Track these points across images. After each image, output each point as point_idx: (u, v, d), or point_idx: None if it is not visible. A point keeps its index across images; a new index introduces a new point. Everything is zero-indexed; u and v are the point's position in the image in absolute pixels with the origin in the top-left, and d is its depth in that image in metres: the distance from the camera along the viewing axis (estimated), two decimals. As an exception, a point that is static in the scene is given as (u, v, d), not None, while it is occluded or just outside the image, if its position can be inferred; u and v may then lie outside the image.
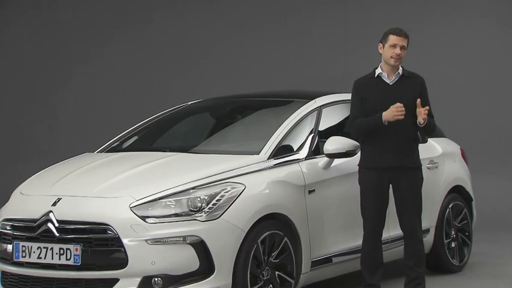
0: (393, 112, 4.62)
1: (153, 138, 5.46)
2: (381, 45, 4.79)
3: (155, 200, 4.31)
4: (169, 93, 9.27)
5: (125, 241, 4.21)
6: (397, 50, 4.71)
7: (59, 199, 4.40)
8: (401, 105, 4.63)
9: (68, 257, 4.25)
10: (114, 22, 9.65)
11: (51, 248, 4.28)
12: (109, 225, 4.24)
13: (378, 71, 4.82)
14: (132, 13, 9.65)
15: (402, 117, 4.62)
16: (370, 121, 4.71)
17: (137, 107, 9.19)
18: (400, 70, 4.81)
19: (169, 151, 4.94)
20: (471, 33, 8.69)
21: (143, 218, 4.27)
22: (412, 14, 8.74)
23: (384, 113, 4.66)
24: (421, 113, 4.65)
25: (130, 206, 4.31)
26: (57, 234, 4.30)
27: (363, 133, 4.77)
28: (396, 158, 4.72)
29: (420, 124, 4.68)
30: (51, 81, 9.70)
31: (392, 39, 4.73)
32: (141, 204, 4.30)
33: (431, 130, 4.82)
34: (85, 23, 9.70)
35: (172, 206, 4.29)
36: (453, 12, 8.74)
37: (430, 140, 5.83)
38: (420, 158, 4.85)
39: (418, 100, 4.66)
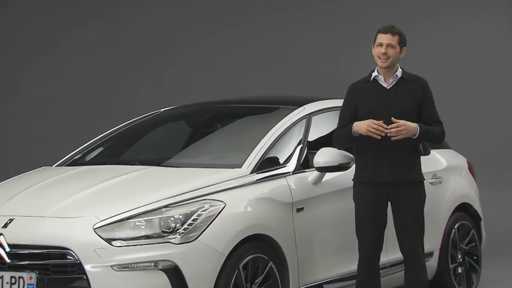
0: (369, 126, 4.63)
1: (120, 150, 5.46)
2: (373, 46, 4.84)
3: (122, 220, 4.30)
4: (138, 99, 9.27)
5: (87, 267, 4.19)
6: (382, 49, 4.73)
7: (11, 220, 4.38)
8: (383, 125, 4.61)
9: (21, 287, 4.21)
10: (74, 17, 9.61)
11: (1, 277, 4.26)
12: (69, 250, 4.22)
13: (374, 73, 4.84)
14: (96, 6, 9.62)
15: (378, 137, 4.62)
16: (343, 132, 4.77)
17: (102, 114, 9.18)
18: (399, 72, 4.83)
19: (139, 164, 4.96)
20: (474, 33, 8.75)
21: (109, 240, 4.25)
22: (411, 12, 8.80)
23: (355, 123, 4.69)
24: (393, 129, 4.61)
25: (94, 227, 4.29)
26: (8, 261, 4.27)
27: (341, 146, 4.83)
28: (394, 172, 4.73)
29: (414, 136, 4.68)
30: (1, 86, 9.64)
31: (379, 37, 4.78)
32: (106, 225, 4.29)
33: (436, 138, 4.82)
34: (38, 19, 9.65)
35: (142, 227, 4.29)
36: (455, 11, 8.81)
37: (433, 151, 5.86)
38: (422, 171, 4.86)
39: (393, 119, 4.62)
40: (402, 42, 4.80)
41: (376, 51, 4.76)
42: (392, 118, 4.64)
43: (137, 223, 4.29)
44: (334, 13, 9.09)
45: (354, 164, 4.87)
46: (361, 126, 4.66)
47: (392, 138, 4.65)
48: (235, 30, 9.33)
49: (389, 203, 4.80)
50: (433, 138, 4.82)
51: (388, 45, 4.74)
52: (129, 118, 5.78)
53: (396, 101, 4.75)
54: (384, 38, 4.75)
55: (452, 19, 8.81)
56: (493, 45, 8.70)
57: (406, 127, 4.65)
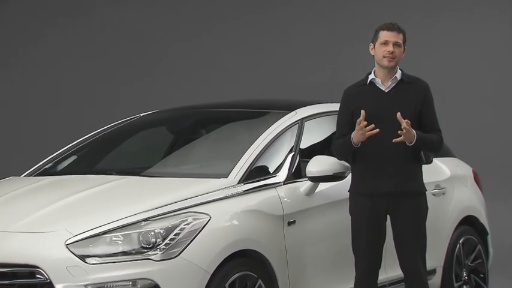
0: (358, 131, 4.63)
1: (95, 159, 5.45)
2: (371, 45, 4.82)
3: (98, 234, 4.28)
4: (116, 103, 9.25)
5: (58, 287, 4.16)
6: (390, 47, 4.74)
7: (-26, 235, 4.36)
8: (364, 122, 4.60)
9: (-14, 309, 4.22)
10: (46, 16, 9.58)
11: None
12: (38, 268, 4.19)
13: (371, 76, 4.83)
14: (69, 2, 9.59)
15: (376, 130, 4.60)
16: (343, 142, 4.77)
17: (76, 120, 9.15)
18: (398, 74, 4.83)
19: (115, 174, 4.95)
20: (475, 34, 8.78)
21: (82, 257, 4.22)
22: (409, 10, 8.82)
23: (353, 136, 4.69)
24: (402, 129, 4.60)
25: (66, 242, 4.27)
26: (-29, 281, 4.26)
27: (342, 157, 4.83)
28: (394, 182, 4.73)
29: (410, 143, 4.67)
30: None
31: (383, 35, 4.77)
32: (79, 240, 4.27)
33: (433, 146, 4.82)
34: (8, 20, 9.62)
35: (120, 243, 4.27)
36: (458, 9, 8.85)
37: (435, 160, 5.85)
38: (423, 181, 4.85)
39: (398, 114, 4.62)
40: (405, 42, 4.82)
41: (382, 50, 4.74)
42: (398, 114, 4.60)
43: (114, 238, 4.26)
44: (329, 10, 9.09)
45: (350, 174, 4.86)
46: (356, 135, 4.66)
47: (393, 140, 4.62)
48: (223, 28, 9.33)
49: (388, 216, 4.79)
50: (430, 147, 4.83)
51: (395, 44, 4.75)
52: (105, 124, 5.77)
53: (395, 106, 4.73)
54: (389, 36, 4.75)
55: (452, 19, 8.83)
56: (496, 47, 8.72)
57: (408, 129, 4.63)
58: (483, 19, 8.74)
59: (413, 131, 4.67)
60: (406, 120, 4.62)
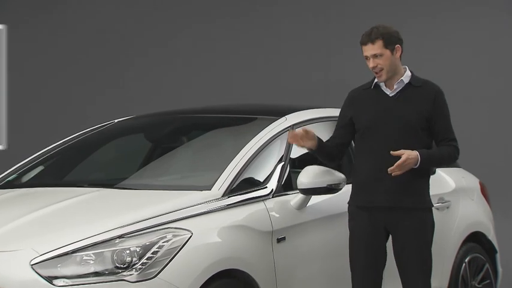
0: (291, 139, 4.78)
1: (65, 169, 5.44)
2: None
3: (67, 253, 4.25)
4: (89, 107, 9.22)
5: (23, 312, 4.17)
6: (370, 63, 4.75)
7: None
8: (295, 132, 4.71)
9: None
10: (11, 12, 9.55)
11: None
12: (2, 290, 4.19)
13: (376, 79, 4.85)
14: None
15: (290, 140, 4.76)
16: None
17: (44, 126, 9.10)
18: (406, 77, 4.80)
19: (87, 186, 4.93)
20: (481, 33, 8.80)
21: (49, 279, 4.20)
22: (408, 8, 8.85)
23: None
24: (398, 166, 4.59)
25: (32, 262, 4.24)
26: None
27: (327, 162, 4.88)
28: (392, 196, 4.72)
29: (416, 166, 4.65)
30: None
31: (363, 50, 4.79)
32: (46, 260, 4.24)
33: (443, 162, 4.79)
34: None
35: (91, 262, 4.25)
36: (461, 6, 8.88)
37: (439, 171, 5.86)
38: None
39: (392, 153, 4.60)
40: (390, 43, 4.75)
41: (368, 65, 4.77)
42: (391, 152, 4.59)
43: (85, 257, 4.24)
44: (322, 8, 9.10)
45: (346, 186, 4.86)
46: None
47: (393, 175, 4.60)
48: (208, 26, 9.32)
49: (389, 233, 4.78)
50: (438, 163, 4.81)
51: (374, 56, 4.73)
52: (76, 131, 5.74)
53: (399, 112, 4.73)
54: (365, 50, 4.76)
55: (453, 19, 8.87)
56: (506, 51, 8.76)
57: (408, 159, 4.59)
58: (492, 24, 8.78)
59: (415, 153, 4.61)
60: (402, 154, 4.57)
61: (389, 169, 4.58)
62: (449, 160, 4.80)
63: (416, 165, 4.63)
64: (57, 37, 9.56)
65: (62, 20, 9.54)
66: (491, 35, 8.79)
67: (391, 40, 4.75)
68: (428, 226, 4.79)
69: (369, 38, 4.73)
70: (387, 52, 4.73)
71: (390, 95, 4.79)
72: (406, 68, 4.82)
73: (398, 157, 4.62)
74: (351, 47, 8.38)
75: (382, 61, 4.71)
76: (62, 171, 5.40)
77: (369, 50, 4.72)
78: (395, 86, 4.79)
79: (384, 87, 4.80)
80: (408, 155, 4.59)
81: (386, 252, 4.77)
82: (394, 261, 4.78)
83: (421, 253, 4.75)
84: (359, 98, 4.83)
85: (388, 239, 4.78)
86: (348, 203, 4.83)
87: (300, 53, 9.07)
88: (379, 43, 4.72)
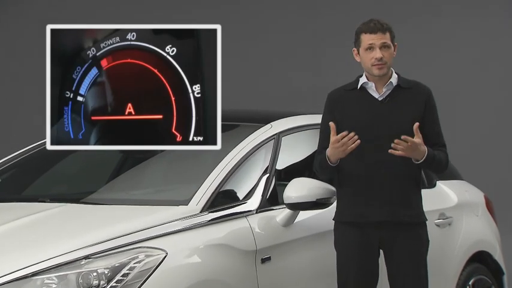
0: (335, 145, 4.61)
1: (24, 183, 5.44)
2: (355, 50, 4.83)
3: (26, 276, 4.22)
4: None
5: None
6: (377, 54, 4.72)
7: None
8: (349, 134, 4.59)
9: None
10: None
11: None
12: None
13: (363, 80, 4.83)
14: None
15: (357, 143, 4.59)
16: (320, 161, 4.78)
17: (1, 133, 9.06)
18: (394, 79, 4.82)
19: (49, 201, 4.92)
20: (481, 34, 8.85)
21: (8, 305, 4.22)
22: (406, 7, 8.89)
23: (328, 152, 4.70)
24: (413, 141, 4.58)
25: (-12, 286, 4.26)
26: None
27: (323, 178, 4.84)
28: (387, 210, 4.73)
29: (417, 161, 4.67)
30: None
31: (366, 39, 4.75)
32: (3, 284, 4.21)
33: (440, 167, 4.83)
34: None
35: (54, 286, 4.23)
36: (459, 7, 8.93)
37: (440, 183, 5.88)
38: (425, 210, 4.87)
39: (416, 124, 4.63)
40: (394, 38, 4.80)
41: (368, 57, 4.74)
42: (416, 125, 4.60)
43: (46, 281, 4.21)
44: (310, 7, 9.13)
45: (336, 200, 4.87)
46: (331, 151, 4.65)
47: (389, 151, 4.60)
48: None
49: (381, 251, 4.80)
50: (436, 167, 4.83)
51: (383, 46, 4.73)
52: (37, 139, 5.69)
53: (391, 117, 4.74)
54: (374, 39, 4.74)
55: (453, 18, 8.92)
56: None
57: (420, 145, 4.59)
58: (498, 26, 8.84)
59: (425, 147, 4.65)
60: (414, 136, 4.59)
61: (395, 141, 4.56)
62: (445, 167, 4.83)
63: (419, 160, 4.64)
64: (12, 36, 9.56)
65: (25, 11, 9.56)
66: (491, 39, 8.86)
67: (394, 35, 4.79)
68: (424, 241, 4.82)
69: (381, 26, 4.73)
70: (392, 47, 4.77)
71: (379, 99, 4.79)
72: (392, 70, 4.83)
73: (394, 164, 4.65)
74: (339, 51, 8.46)
75: (387, 54, 4.73)
76: (20, 184, 5.40)
77: (379, 38, 4.71)
78: (384, 89, 4.79)
79: (371, 90, 4.79)
80: (421, 143, 4.59)
81: (378, 270, 4.78)
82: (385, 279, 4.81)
83: (417, 269, 4.77)
84: (341, 101, 4.82)
85: (379, 255, 4.79)
86: (334, 219, 4.82)
87: (285, 55, 9.09)
88: (388, 34, 4.76)
